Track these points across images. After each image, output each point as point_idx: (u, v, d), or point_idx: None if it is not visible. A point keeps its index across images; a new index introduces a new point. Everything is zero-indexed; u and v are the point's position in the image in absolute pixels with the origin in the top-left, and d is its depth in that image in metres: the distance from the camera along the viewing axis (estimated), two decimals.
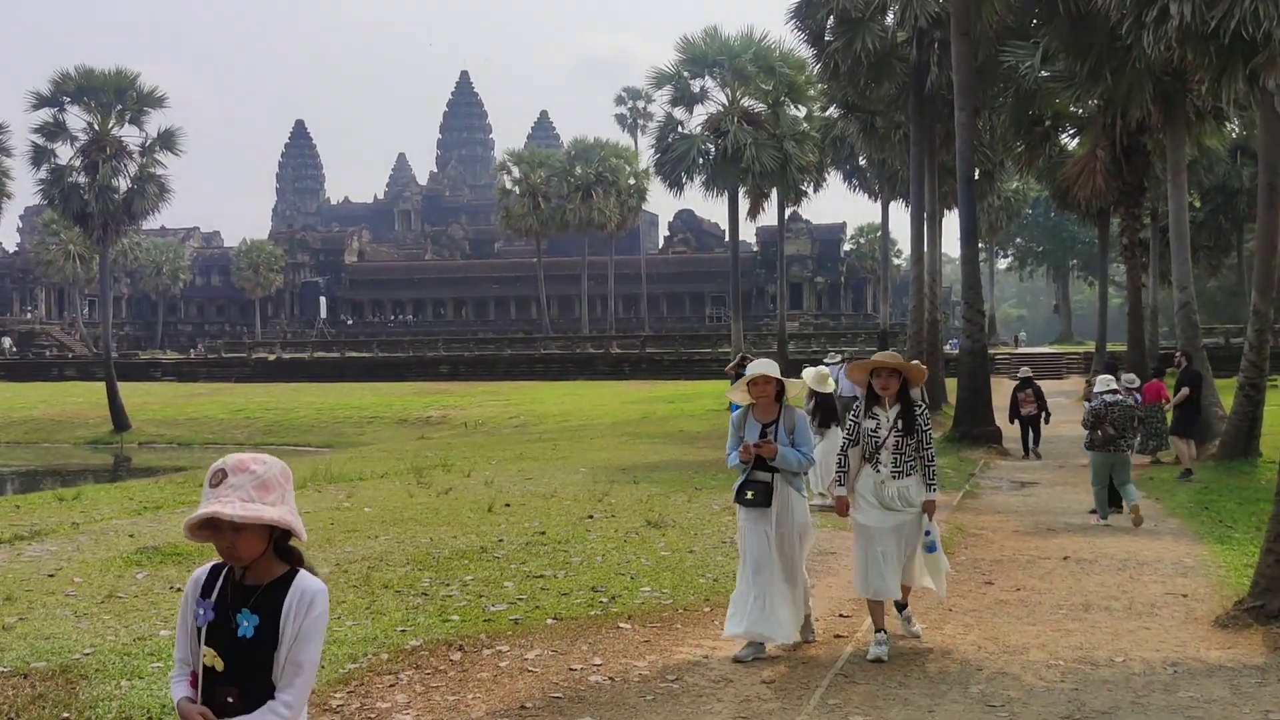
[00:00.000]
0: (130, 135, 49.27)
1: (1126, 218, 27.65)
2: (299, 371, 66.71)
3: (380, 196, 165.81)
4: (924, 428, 7.09)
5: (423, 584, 8.72)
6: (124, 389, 58.46)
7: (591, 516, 12.43)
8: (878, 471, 7.08)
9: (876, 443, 7.09)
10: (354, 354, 71.02)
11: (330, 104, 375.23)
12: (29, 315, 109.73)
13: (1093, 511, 13.60)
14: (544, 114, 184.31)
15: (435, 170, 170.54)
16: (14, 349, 78.33)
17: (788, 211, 51.87)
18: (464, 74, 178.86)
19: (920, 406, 7.20)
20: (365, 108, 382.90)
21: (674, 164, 41.09)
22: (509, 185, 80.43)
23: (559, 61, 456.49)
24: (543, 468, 18.40)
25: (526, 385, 57.50)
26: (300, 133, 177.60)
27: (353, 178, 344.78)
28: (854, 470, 7.19)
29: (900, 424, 7.04)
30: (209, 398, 57.81)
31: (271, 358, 70.25)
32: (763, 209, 44.17)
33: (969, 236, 23.13)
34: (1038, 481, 18.14)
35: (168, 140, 49.43)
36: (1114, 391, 13.31)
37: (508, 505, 13.26)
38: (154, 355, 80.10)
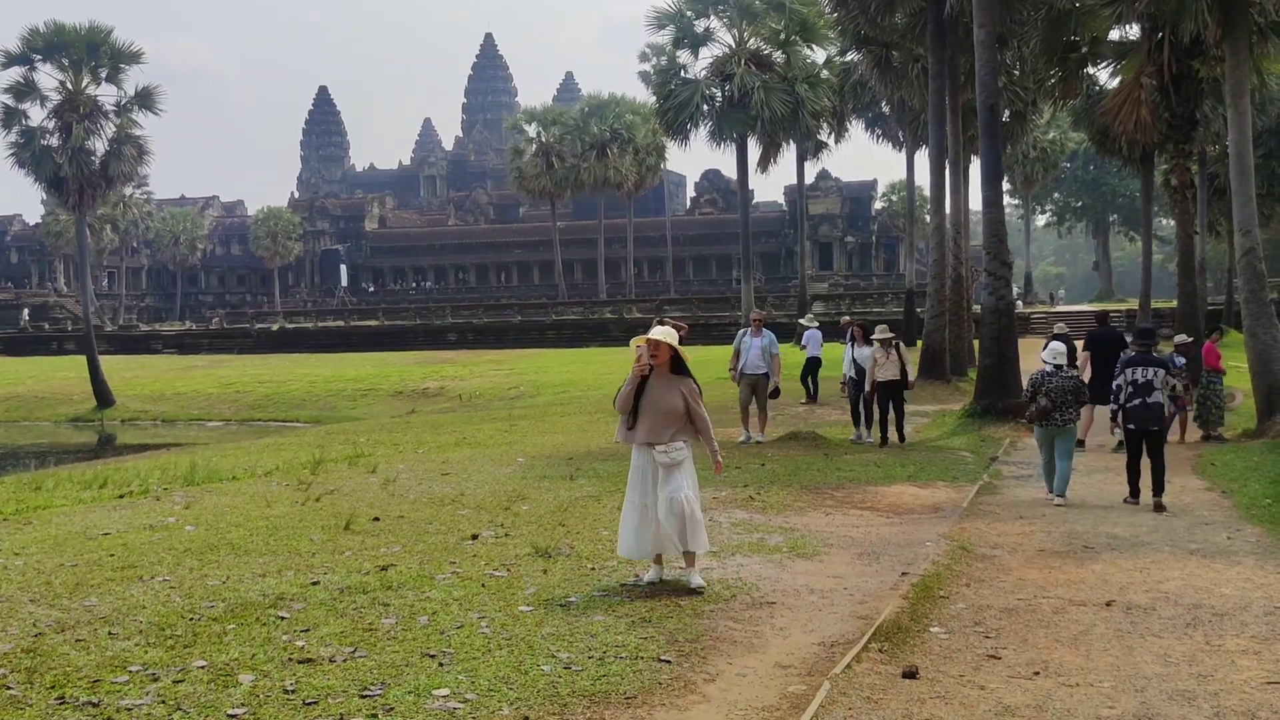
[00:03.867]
0: (106, 95, 46.48)
1: (1176, 155, 24.20)
2: (304, 341, 64.08)
3: (406, 163, 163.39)
4: None
5: (119, 679, 5.69)
6: (119, 363, 56.43)
7: (476, 536, 9.37)
8: None
9: None
10: (360, 323, 68.26)
11: (354, 71, 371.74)
12: (47, 288, 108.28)
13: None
14: (569, 76, 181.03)
15: (461, 135, 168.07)
16: (29, 322, 76.16)
17: (815, 168, 48.80)
18: (488, 36, 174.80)
19: None
20: (390, 73, 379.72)
21: (677, 111, 37.81)
22: (522, 145, 77.22)
23: (585, 23, 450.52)
24: (476, 457, 15.35)
25: (535, 353, 54.49)
26: (324, 100, 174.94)
27: (380, 144, 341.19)
28: None
29: None
30: (205, 371, 55.21)
31: (275, 328, 67.61)
32: (774, 160, 40.88)
33: (992, 175, 19.69)
34: (1073, 467, 14.92)
35: (145, 99, 46.58)
36: (1059, 366, 12.07)
37: (376, 519, 10.21)
38: (155, 327, 77.65)
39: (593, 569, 8.16)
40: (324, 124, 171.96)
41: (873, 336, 17.00)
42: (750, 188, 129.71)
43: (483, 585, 7.62)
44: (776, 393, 17.53)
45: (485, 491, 11.94)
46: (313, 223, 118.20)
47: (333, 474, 13.62)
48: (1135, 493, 11.97)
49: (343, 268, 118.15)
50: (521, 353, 55.20)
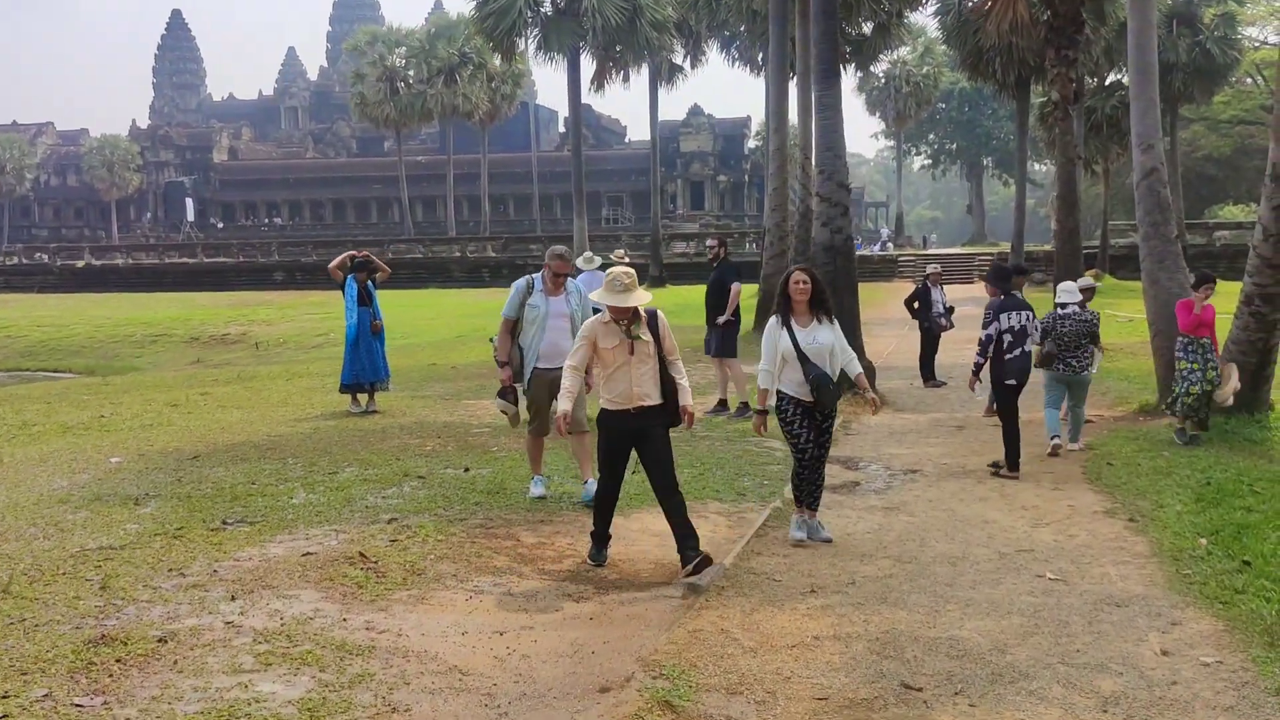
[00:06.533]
0: None
1: (1057, 63, 20.03)
2: (113, 280, 57.86)
3: (268, 93, 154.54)
4: None
5: None
6: None
7: None
8: None
9: None
10: (175, 260, 61.98)
11: None
12: None
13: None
14: (437, 3, 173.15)
15: (325, 65, 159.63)
16: None
17: (685, 102, 44.13)
18: None
19: None
20: None
21: (497, 19, 32.67)
22: (365, 69, 71.07)
23: None
24: (55, 455, 10.44)
25: None
26: (178, 24, 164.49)
27: (243, 74, 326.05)
28: None
29: None
30: None
31: (81, 264, 60.98)
32: (611, 78, 36.02)
33: (826, 70, 15.07)
34: (919, 469, 10.61)
35: None
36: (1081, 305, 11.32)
37: None
38: None
39: None
40: (177, 50, 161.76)
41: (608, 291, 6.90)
42: (623, 125, 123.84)
43: None
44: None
45: None
46: (155, 153, 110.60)
47: None
48: (1015, 464, 10.26)
49: (189, 201, 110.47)
50: None
